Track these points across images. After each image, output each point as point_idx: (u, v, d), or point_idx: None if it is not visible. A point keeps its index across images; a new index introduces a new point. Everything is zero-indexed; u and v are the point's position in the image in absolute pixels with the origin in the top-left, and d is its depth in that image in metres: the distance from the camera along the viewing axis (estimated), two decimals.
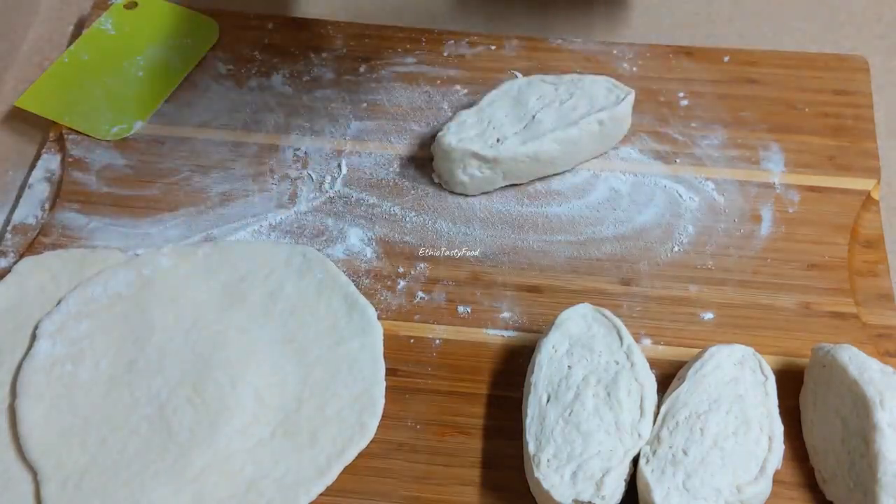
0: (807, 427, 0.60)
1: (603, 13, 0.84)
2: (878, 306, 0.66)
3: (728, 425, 0.56)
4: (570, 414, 0.57)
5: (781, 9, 0.86)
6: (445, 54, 0.79)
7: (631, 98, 0.72)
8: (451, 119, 0.72)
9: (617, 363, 0.59)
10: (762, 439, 0.56)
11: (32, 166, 0.74)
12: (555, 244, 0.69)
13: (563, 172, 0.73)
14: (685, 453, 0.55)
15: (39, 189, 0.72)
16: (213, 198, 0.72)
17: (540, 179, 0.72)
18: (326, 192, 0.72)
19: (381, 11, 0.85)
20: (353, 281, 0.67)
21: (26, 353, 0.62)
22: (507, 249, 0.69)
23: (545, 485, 0.54)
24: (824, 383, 0.59)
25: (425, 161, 0.74)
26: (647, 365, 0.59)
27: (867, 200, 0.71)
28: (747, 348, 0.60)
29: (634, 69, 0.79)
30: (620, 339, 0.60)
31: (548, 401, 0.58)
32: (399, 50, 0.80)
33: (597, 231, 0.70)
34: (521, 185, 0.72)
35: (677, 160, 0.73)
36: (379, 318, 0.65)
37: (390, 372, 0.62)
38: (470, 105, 0.73)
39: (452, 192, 0.72)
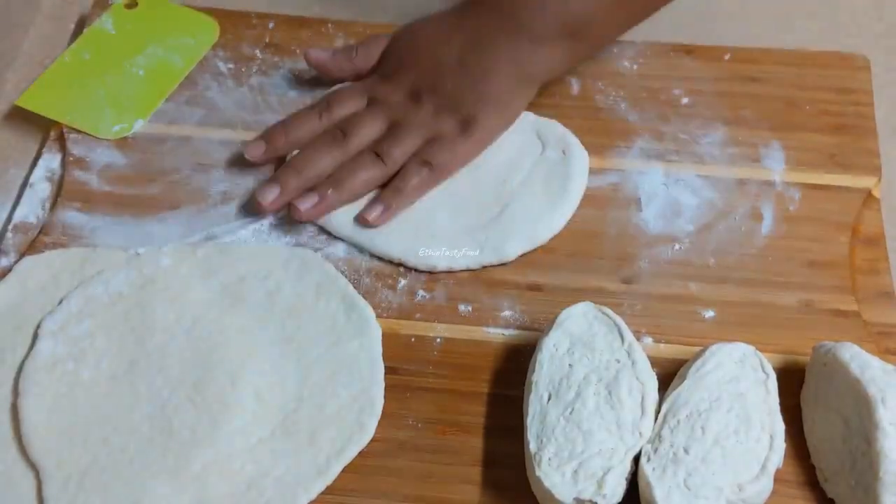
0: (808, 425, 0.60)
1: None
2: (879, 304, 0.66)
3: (729, 424, 0.56)
4: (571, 412, 0.57)
5: (782, 7, 0.86)
6: None
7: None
8: None
9: (618, 362, 0.59)
10: (763, 438, 0.56)
11: (33, 165, 0.73)
12: (556, 242, 0.69)
13: None
14: (686, 452, 0.55)
15: (40, 188, 0.72)
16: (213, 197, 0.71)
17: None
18: None
19: (382, 10, 0.85)
20: (354, 280, 0.67)
21: (28, 353, 0.62)
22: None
23: (546, 483, 0.54)
24: (825, 382, 0.59)
25: None
26: (649, 363, 0.59)
27: (868, 198, 0.71)
28: (748, 346, 0.60)
29: (635, 67, 0.79)
30: (621, 337, 0.60)
31: (549, 399, 0.58)
32: None
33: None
34: None
35: (678, 158, 0.73)
36: (379, 316, 0.64)
37: (391, 371, 0.62)
38: None
39: None
